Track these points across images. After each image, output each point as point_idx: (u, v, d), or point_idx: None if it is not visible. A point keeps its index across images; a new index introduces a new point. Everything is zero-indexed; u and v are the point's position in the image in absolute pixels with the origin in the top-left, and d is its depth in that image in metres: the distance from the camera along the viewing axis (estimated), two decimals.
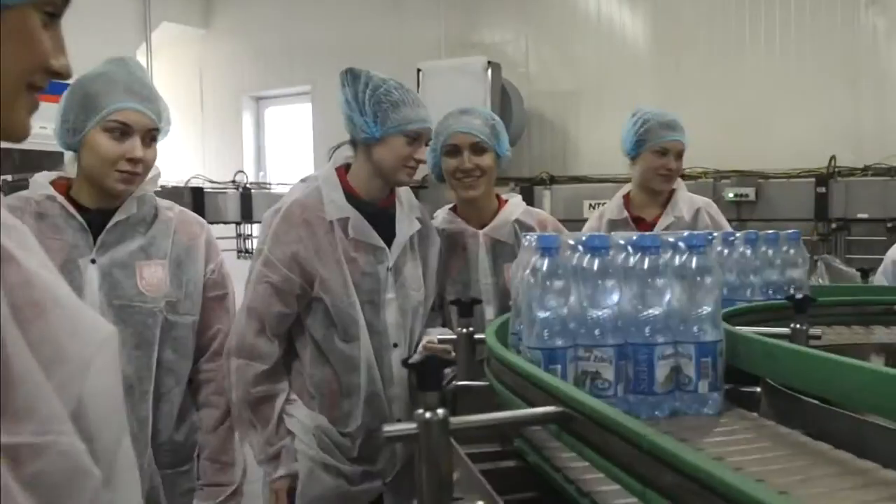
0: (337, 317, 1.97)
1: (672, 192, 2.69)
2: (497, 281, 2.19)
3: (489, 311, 2.17)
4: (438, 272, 2.21)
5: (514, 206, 2.29)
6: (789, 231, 1.70)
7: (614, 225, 2.68)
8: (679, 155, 2.62)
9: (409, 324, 2.05)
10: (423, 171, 2.19)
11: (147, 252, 1.78)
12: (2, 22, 0.74)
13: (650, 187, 2.68)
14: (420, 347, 2.04)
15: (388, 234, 2.04)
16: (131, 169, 1.70)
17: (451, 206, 2.34)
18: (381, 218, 2.04)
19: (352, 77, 1.99)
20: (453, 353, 1.89)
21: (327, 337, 1.99)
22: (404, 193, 2.11)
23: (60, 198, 1.72)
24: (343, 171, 2.06)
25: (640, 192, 2.72)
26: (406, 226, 2.06)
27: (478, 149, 2.19)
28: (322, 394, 2.01)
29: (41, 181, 1.75)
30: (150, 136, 1.74)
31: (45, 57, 0.79)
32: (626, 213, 2.69)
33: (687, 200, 2.67)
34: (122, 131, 1.69)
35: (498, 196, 2.34)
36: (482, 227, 2.25)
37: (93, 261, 1.72)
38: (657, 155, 2.61)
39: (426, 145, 2.07)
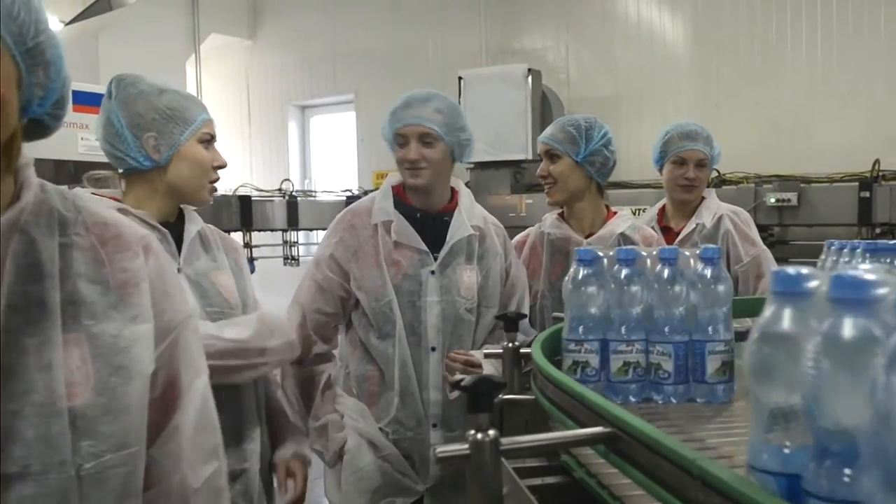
0: (371, 314, 2.05)
1: (702, 200, 2.70)
2: None
3: None
4: (522, 279, 2.21)
5: (622, 219, 2.32)
6: None
7: None
8: (699, 164, 2.61)
9: (450, 329, 2.07)
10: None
11: (216, 262, 1.78)
12: None
13: (672, 197, 2.70)
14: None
15: (442, 240, 2.09)
16: (216, 177, 1.76)
17: (558, 211, 2.37)
18: (435, 223, 2.09)
19: None
20: (483, 366, 1.94)
21: (368, 335, 2.08)
22: (466, 200, 2.13)
23: (136, 211, 1.66)
24: (401, 184, 2.15)
25: (669, 202, 2.74)
26: (458, 231, 2.09)
27: (550, 156, 2.25)
28: (363, 390, 2.10)
29: (96, 198, 1.62)
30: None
31: None
32: (653, 224, 2.72)
33: (713, 208, 2.66)
34: (209, 141, 1.73)
35: (608, 207, 2.37)
36: (587, 235, 2.28)
37: (179, 270, 1.69)
38: (675, 165, 2.63)
39: (423, 143, 2.03)
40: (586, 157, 2.23)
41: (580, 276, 1.30)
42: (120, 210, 1.60)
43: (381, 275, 2.04)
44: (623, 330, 1.26)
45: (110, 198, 1.73)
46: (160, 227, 1.68)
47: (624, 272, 1.27)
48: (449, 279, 2.06)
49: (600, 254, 1.32)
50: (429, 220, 2.09)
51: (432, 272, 2.05)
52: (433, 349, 2.05)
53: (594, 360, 1.27)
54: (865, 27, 4.45)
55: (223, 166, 1.76)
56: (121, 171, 1.71)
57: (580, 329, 1.28)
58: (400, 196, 2.12)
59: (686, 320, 1.24)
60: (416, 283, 2.05)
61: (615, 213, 2.35)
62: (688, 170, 2.61)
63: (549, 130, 2.28)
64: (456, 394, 1.98)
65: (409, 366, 2.04)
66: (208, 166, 1.73)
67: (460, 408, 2.02)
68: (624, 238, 2.25)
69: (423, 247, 2.06)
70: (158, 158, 1.67)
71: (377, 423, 2.07)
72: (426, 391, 2.06)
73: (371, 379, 2.09)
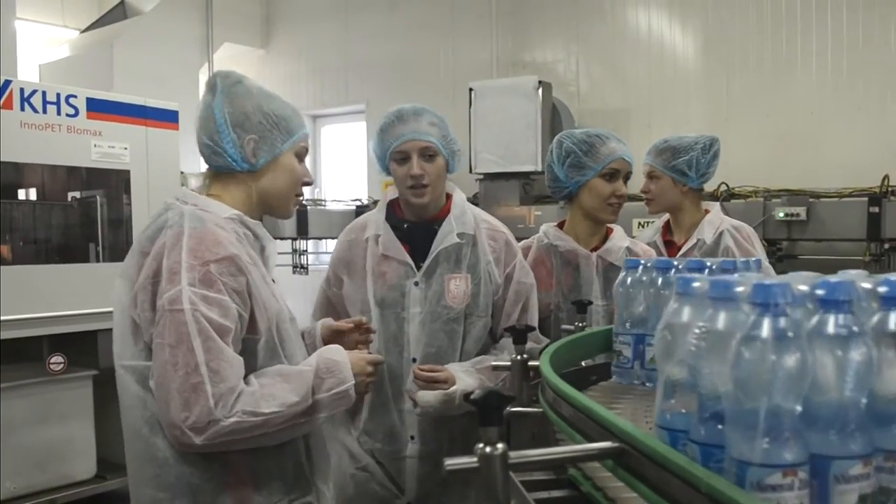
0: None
1: (705, 214, 2.70)
2: (608, 304, 2.16)
3: None
4: (533, 289, 2.16)
5: (622, 233, 2.33)
6: None
7: None
8: (649, 176, 2.64)
9: (433, 340, 2.04)
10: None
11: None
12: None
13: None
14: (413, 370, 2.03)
15: (430, 249, 2.07)
16: (302, 192, 1.76)
17: (556, 223, 2.37)
18: (423, 232, 2.07)
19: None
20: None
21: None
22: (457, 207, 2.10)
23: (247, 218, 1.64)
24: (397, 199, 2.15)
25: (670, 216, 2.76)
26: (445, 240, 2.06)
27: (627, 178, 2.27)
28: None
29: (216, 204, 1.63)
30: None
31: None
32: (656, 238, 2.72)
33: (715, 223, 2.63)
34: (303, 156, 1.73)
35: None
36: (590, 249, 2.28)
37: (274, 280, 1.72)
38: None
39: (424, 157, 2.02)
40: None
41: (767, 335, 0.71)
42: (234, 217, 1.62)
43: (364, 287, 2.06)
44: (835, 435, 0.73)
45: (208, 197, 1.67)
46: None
47: (832, 326, 0.73)
48: (434, 289, 2.04)
49: (803, 288, 0.80)
50: (417, 229, 2.08)
51: (416, 283, 2.05)
52: (413, 360, 2.04)
53: (807, 499, 0.74)
54: (876, 42, 4.45)
55: (311, 183, 1.76)
56: (210, 168, 1.69)
57: (768, 441, 0.71)
58: (393, 208, 2.12)
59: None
60: (400, 295, 2.05)
61: (612, 229, 2.34)
62: (644, 183, 2.66)
63: (628, 151, 2.29)
64: (418, 409, 1.96)
65: (384, 378, 2.03)
66: (299, 180, 1.72)
67: (438, 421, 2.02)
68: (629, 252, 2.25)
69: (407, 258, 2.05)
70: (255, 162, 1.65)
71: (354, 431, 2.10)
72: (401, 402, 2.05)
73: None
